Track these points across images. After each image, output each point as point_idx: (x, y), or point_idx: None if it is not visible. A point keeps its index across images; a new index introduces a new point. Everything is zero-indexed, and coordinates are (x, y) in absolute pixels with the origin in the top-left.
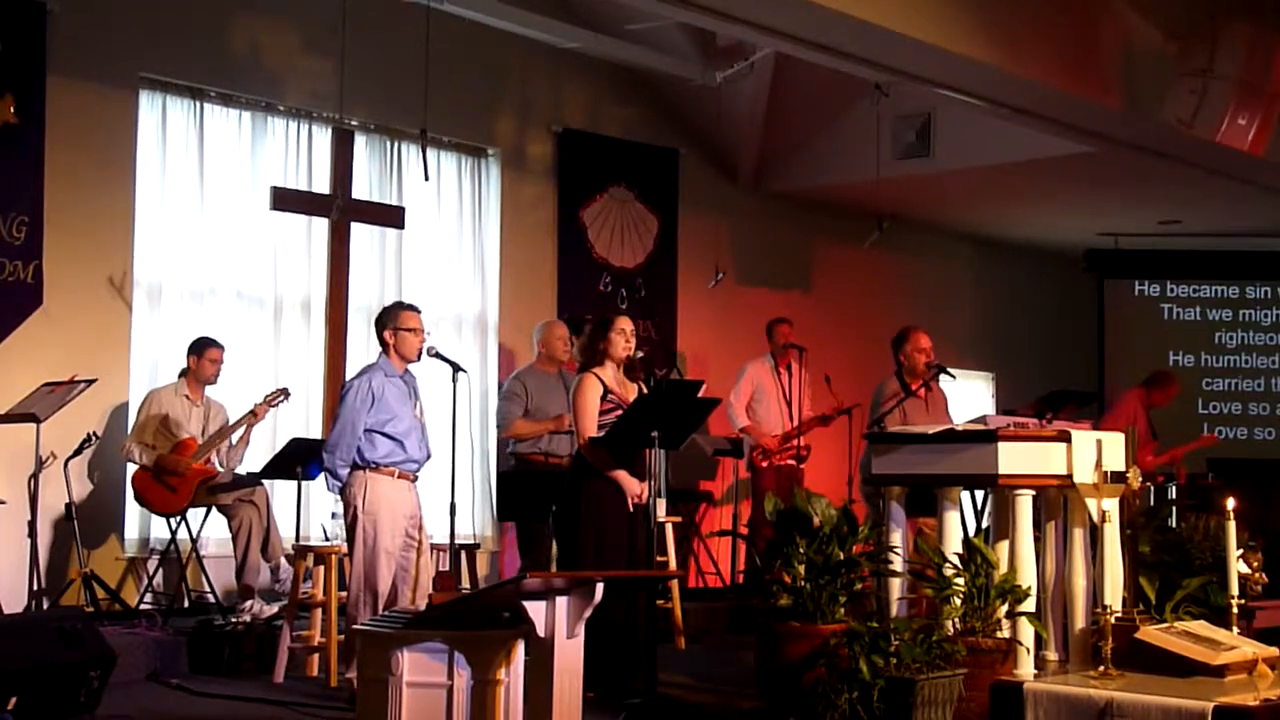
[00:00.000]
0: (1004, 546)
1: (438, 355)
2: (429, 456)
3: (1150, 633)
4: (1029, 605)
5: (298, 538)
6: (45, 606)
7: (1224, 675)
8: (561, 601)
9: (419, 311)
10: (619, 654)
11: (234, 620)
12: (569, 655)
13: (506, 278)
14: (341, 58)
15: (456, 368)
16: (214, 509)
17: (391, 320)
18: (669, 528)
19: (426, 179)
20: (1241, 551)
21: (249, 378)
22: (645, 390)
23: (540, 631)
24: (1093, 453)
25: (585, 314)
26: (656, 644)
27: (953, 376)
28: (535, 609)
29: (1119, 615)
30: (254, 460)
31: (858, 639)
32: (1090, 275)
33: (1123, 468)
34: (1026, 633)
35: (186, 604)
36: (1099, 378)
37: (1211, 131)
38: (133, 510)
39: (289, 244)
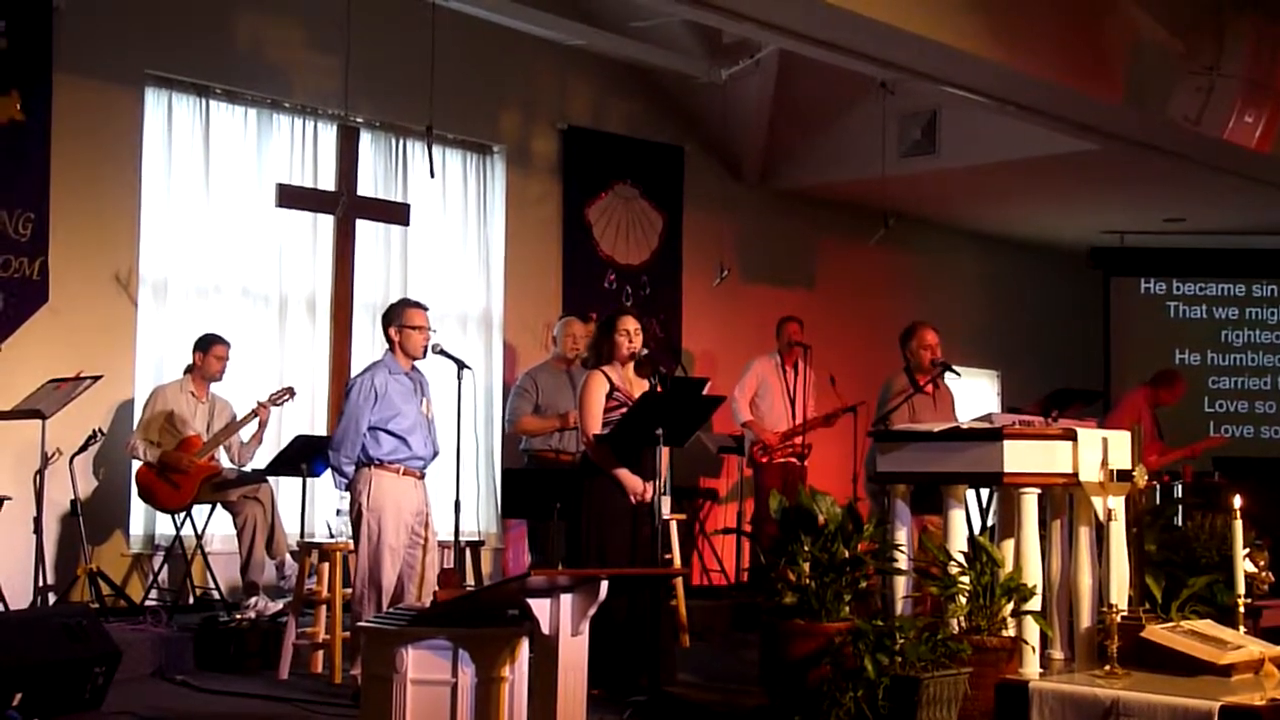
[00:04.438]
0: (1009, 545)
1: (443, 352)
2: (436, 453)
3: (1156, 632)
4: (1034, 604)
5: (302, 534)
6: (50, 603)
7: (1230, 674)
8: (566, 599)
9: (425, 309)
10: (625, 651)
11: (239, 617)
12: (573, 652)
13: (511, 275)
14: (347, 55)
15: (461, 365)
16: (219, 506)
17: (397, 317)
18: (673, 525)
19: (432, 176)
20: (1248, 550)
21: (254, 375)
22: (657, 388)
23: (545, 629)
24: (1098, 451)
25: (591, 312)
26: (663, 642)
27: (958, 374)
28: (540, 606)
29: (1125, 614)
30: (259, 457)
31: (863, 637)
32: (1096, 273)
33: (1129, 466)
34: (1032, 631)
35: (191, 600)
36: (1105, 376)
37: (1218, 129)
38: (138, 507)
39: (294, 241)
